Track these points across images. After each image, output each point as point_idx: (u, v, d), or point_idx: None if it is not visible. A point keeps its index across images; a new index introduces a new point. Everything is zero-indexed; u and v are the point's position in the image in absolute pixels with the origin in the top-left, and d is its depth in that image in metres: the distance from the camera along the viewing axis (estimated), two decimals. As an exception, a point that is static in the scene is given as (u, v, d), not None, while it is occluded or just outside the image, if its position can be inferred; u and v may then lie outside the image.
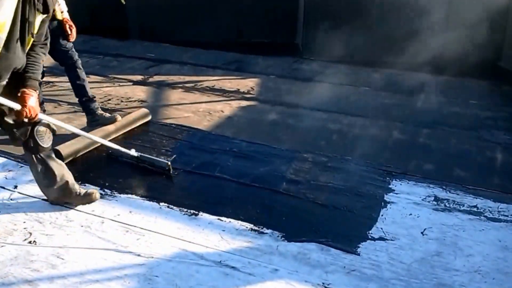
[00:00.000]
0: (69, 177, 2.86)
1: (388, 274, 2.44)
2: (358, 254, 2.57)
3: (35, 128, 2.64)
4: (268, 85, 5.26)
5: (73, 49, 3.83)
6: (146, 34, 6.89)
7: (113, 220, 2.80)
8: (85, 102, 3.95)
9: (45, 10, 2.42)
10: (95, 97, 4.01)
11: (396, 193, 3.14)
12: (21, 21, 2.33)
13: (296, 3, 6.42)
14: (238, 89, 5.08)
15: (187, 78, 5.40)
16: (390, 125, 4.21)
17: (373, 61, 5.78)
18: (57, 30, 3.66)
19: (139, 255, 2.52)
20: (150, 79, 5.35)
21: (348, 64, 5.81)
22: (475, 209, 2.99)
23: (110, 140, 3.61)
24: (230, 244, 2.62)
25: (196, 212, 2.90)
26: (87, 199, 2.92)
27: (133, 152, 3.40)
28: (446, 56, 5.68)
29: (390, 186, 3.23)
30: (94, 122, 3.95)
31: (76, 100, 4.01)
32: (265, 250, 2.59)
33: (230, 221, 2.82)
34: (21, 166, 3.34)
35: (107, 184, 3.19)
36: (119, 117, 3.96)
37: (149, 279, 2.36)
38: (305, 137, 3.98)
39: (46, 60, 2.70)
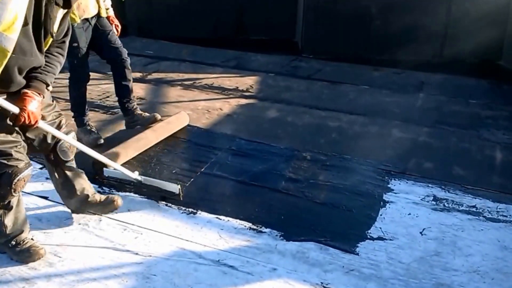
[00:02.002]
0: (90, 190, 2.72)
1: (387, 273, 2.43)
2: (357, 254, 2.56)
3: (59, 144, 2.47)
4: (268, 83, 5.25)
5: (123, 47, 3.65)
6: (144, 30, 6.88)
7: (111, 218, 2.79)
8: (124, 103, 3.80)
9: (66, 4, 2.14)
10: (135, 96, 3.85)
11: (395, 193, 3.13)
12: (37, 19, 2.06)
13: (295, 0, 6.41)
14: (237, 87, 5.06)
15: (186, 76, 5.39)
16: (390, 123, 4.20)
17: (373, 59, 5.77)
18: (103, 25, 3.53)
19: (137, 253, 2.51)
20: (149, 76, 5.34)
21: (347, 62, 5.80)
22: (474, 209, 2.98)
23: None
24: (229, 243, 2.61)
25: (195, 211, 2.89)
26: (109, 208, 2.76)
27: (135, 175, 2.97)
28: (446, 54, 5.68)
29: (389, 186, 3.22)
30: (133, 123, 3.81)
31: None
32: (264, 249, 2.58)
33: (228, 220, 2.81)
34: (19, 163, 3.31)
35: (105, 181, 3.17)
36: (158, 116, 3.83)
37: (147, 277, 2.35)
38: (304, 135, 3.97)
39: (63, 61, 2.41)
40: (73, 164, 2.63)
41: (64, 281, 2.32)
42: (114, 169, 2.94)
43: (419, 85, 5.21)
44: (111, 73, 3.85)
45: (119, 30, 3.69)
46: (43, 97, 2.26)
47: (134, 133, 3.69)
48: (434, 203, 3.03)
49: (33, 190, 3.01)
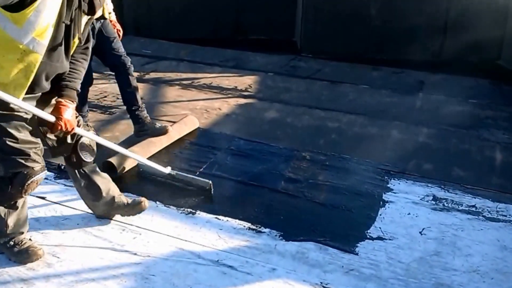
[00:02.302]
0: (115, 191, 2.69)
1: (387, 273, 2.42)
2: (357, 254, 2.55)
3: (79, 142, 2.44)
4: (266, 83, 5.24)
5: (126, 54, 3.59)
6: (142, 30, 6.86)
7: (109, 219, 2.77)
8: (133, 111, 3.70)
9: (91, 11, 2.17)
10: (144, 104, 3.77)
11: (395, 193, 3.13)
12: (66, 25, 2.11)
13: (294, 0, 6.40)
14: (236, 87, 5.05)
15: (184, 75, 5.38)
16: (389, 123, 4.19)
17: (372, 59, 5.76)
18: (108, 31, 3.47)
19: (135, 254, 2.50)
20: (147, 76, 5.33)
21: (346, 62, 5.79)
22: (473, 209, 2.97)
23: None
24: (228, 243, 2.60)
25: (194, 211, 2.88)
26: (136, 209, 2.72)
27: (168, 170, 3.10)
28: (445, 54, 5.68)
29: (388, 185, 3.21)
30: (142, 132, 3.70)
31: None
32: (263, 249, 2.57)
33: (227, 220, 2.80)
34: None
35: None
36: (170, 128, 3.72)
37: (146, 278, 2.34)
38: (303, 136, 3.96)
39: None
40: (95, 166, 2.61)
41: (62, 282, 2.30)
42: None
43: (419, 85, 5.20)
44: (108, 73, 3.83)
45: (121, 34, 3.66)
46: (76, 104, 2.32)
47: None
48: (434, 203, 3.02)
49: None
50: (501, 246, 2.65)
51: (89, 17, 2.23)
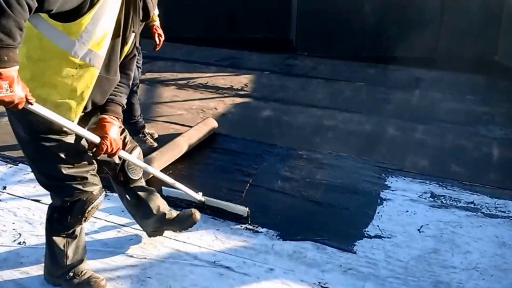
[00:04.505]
0: (165, 207, 2.48)
1: (385, 272, 2.40)
2: (355, 252, 2.54)
3: (126, 162, 2.25)
4: (262, 82, 5.22)
5: (141, 65, 3.39)
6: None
7: (105, 220, 2.75)
8: (131, 123, 3.42)
9: (145, 16, 1.96)
10: (141, 114, 3.57)
11: (392, 190, 3.11)
12: (123, 34, 1.89)
13: (290, -2, 6.37)
14: (232, 86, 5.03)
15: (180, 75, 5.35)
16: (386, 121, 4.18)
17: (368, 56, 5.74)
18: None
19: (131, 256, 2.48)
20: (142, 77, 5.27)
21: (342, 60, 5.77)
22: (472, 205, 2.96)
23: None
24: (225, 244, 2.58)
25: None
26: (188, 223, 2.49)
27: (199, 196, 2.78)
28: (441, 50, 5.66)
29: (386, 183, 3.19)
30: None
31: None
32: (260, 249, 2.55)
33: (224, 220, 2.77)
34: (10, 167, 3.28)
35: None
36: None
37: (142, 280, 2.32)
38: (300, 134, 3.94)
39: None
40: (143, 182, 2.44)
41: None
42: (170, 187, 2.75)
43: (415, 81, 5.18)
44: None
45: (162, 40, 3.38)
46: (121, 121, 2.09)
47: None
48: (432, 200, 3.01)
49: (25, 193, 2.97)
50: (500, 242, 2.63)
51: (143, 22, 2.01)
